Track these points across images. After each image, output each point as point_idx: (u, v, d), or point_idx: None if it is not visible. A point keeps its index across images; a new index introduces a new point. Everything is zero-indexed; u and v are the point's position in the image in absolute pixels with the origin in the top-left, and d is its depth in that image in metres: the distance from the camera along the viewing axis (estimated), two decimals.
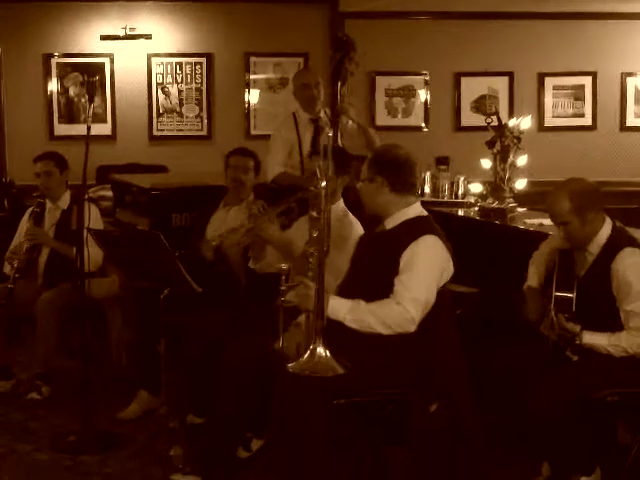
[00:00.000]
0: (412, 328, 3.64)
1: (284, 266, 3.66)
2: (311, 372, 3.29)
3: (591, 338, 3.91)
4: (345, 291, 3.86)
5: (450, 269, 3.82)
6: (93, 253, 4.99)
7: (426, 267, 3.69)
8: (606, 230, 4.04)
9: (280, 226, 4.48)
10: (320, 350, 3.28)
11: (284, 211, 4.45)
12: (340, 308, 3.61)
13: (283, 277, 3.62)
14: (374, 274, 3.79)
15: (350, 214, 4.52)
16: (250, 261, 4.65)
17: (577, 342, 3.89)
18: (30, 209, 5.94)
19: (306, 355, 3.30)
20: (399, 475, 3.98)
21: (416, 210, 3.88)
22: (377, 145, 5.87)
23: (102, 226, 5.78)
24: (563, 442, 3.85)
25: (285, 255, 4.35)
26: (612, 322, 3.93)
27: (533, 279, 4.32)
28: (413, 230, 3.77)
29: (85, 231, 4.78)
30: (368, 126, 6.13)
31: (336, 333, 3.47)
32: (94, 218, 5.47)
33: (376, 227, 3.96)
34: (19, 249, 5.72)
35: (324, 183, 3.45)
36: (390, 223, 3.86)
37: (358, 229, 4.40)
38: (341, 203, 4.55)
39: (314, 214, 3.51)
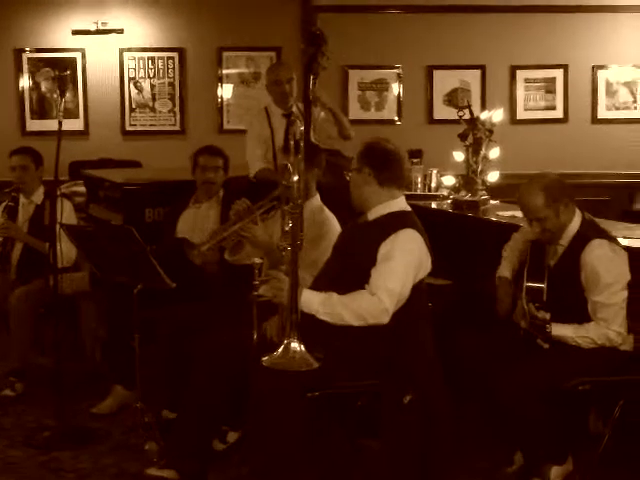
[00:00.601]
0: (385, 319, 3.65)
1: (257, 260, 3.67)
2: (285, 366, 3.29)
3: (559, 330, 3.93)
4: (322, 281, 3.88)
5: (427, 266, 3.84)
6: (66, 249, 4.98)
7: (404, 260, 3.71)
8: (576, 222, 4.07)
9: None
10: (294, 345, 3.28)
11: (267, 210, 4.44)
12: (312, 301, 3.61)
13: (256, 271, 3.63)
14: (352, 264, 3.80)
15: (326, 210, 4.52)
16: (226, 252, 4.64)
17: (548, 330, 3.92)
18: (3, 204, 5.92)
19: (280, 349, 3.30)
20: (373, 466, 4.00)
21: (400, 204, 3.91)
22: (351, 134, 5.88)
23: (75, 221, 5.77)
24: (535, 431, 3.89)
25: (265, 254, 4.36)
26: (582, 312, 3.96)
27: (505, 270, 4.35)
28: (394, 223, 3.79)
29: (58, 226, 4.76)
30: (342, 112, 6.11)
31: (310, 326, 3.48)
32: (67, 213, 5.48)
33: (358, 218, 3.99)
34: None
35: (296, 177, 3.46)
36: (372, 214, 3.88)
37: (335, 224, 4.42)
38: (317, 199, 4.56)
39: (287, 208, 3.51)
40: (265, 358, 3.32)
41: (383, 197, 3.87)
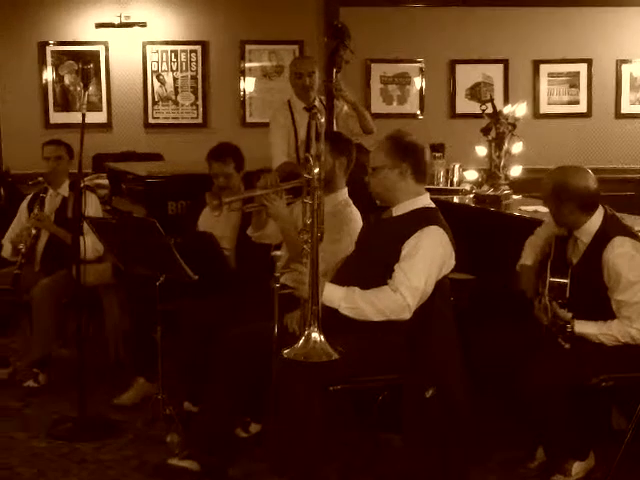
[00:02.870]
0: (407, 316, 3.64)
1: (278, 253, 3.67)
2: (305, 357, 3.29)
3: (582, 327, 3.91)
4: (344, 275, 3.87)
5: (451, 263, 3.82)
6: (93, 242, 4.98)
7: (428, 257, 3.69)
8: (597, 218, 4.03)
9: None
10: (315, 335, 3.28)
11: (293, 189, 4.38)
12: (335, 295, 3.61)
13: (278, 263, 3.63)
14: (375, 259, 3.79)
15: (352, 205, 4.46)
16: (249, 228, 4.62)
17: (569, 330, 3.91)
18: (29, 195, 5.95)
19: (301, 340, 3.31)
20: (394, 461, 4.00)
21: (424, 201, 3.89)
22: (373, 128, 5.87)
23: (101, 214, 5.78)
24: (558, 427, 3.88)
25: (284, 235, 4.34)
26: (605, 310, 3.93)
27: (528, 258, 4.32)
28: (420, 219, 3.78)
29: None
30: (364, 107, 6.09)
31: (331, 319, 3.48)
32: (94, 206, 5.50)
33: (382, 213, 3.97)
34: (25, 234, 5.71)
35: (317, 170, 3.45)
36: (398, 210, 3.86)
37: (358, 220, 4.37)
38: (344, 193, 4.51)
39: (307, 201, 3.51)
40: (286, 350, 3.32)
41: (410, 193, 3.85)
